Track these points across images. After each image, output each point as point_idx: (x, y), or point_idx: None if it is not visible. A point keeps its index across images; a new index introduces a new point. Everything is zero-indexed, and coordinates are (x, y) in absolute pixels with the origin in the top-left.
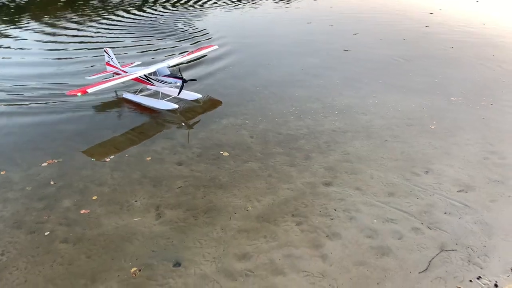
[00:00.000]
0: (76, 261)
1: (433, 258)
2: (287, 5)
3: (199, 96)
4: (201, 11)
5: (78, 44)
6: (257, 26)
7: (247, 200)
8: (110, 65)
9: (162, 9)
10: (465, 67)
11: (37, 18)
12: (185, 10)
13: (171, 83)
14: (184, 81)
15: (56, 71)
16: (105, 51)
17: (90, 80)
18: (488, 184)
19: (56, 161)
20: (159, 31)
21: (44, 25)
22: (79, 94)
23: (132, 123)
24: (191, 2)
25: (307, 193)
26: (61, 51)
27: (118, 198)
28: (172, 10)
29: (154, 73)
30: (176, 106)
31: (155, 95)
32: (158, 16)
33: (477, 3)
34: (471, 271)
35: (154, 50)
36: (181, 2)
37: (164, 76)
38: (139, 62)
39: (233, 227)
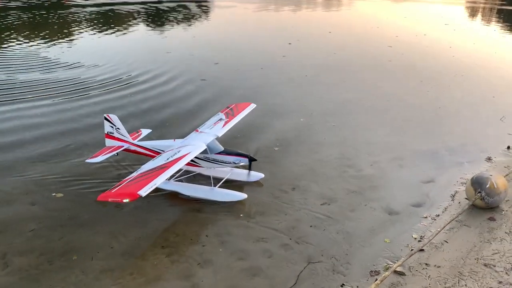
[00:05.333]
0: None
1: (301, 272)
2: (159, 34)
3: (261, 175)
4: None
5: None
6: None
7: (112, 237)
8: (113, 137)
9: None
10: (320, 92)
11: None
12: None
13: (232, 162)
14: (251, 159)
15: None
16: (106, 118)
17: (95, 163)
18: (347, 195)
19: None
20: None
21: None
22: (126, 200)
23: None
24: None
25: (178, 221)
26: None
27: None
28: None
29: (205, 151)
30: (245, 195)
31: (192, 177)
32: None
33: (330, 34)
34: (335, 280)
35: None
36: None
37: (219, 153)
38: (149, 130)
39: (96, 267)
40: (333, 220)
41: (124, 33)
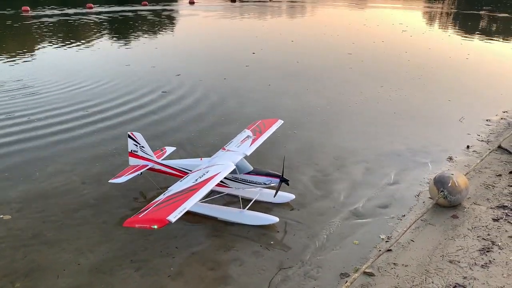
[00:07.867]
0: None
1: (272, 279)
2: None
3: (292, 196)
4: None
5: None
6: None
7: (78, 253)
8: (137, 156)
9: None
10: (284, 100)
11: None
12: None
13: (263, 183)
14: (283, 180)
15: None
16: (129, 136)
17: (119, 184)
18: (316, 200)
19: None
20: None
21: None
22: (154, 226)
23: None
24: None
25: (146, 234)
26: None
27: None
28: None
29: (233, 171)
30: (277, 219)
31: (214, 199)
32: None
33: (292, 42)
34: (307, 284)
35: None
36: None
37: (248, 173)
38: (173, 148)
39: (62, 286)
40: (302, 225)
41: (84, 46)
